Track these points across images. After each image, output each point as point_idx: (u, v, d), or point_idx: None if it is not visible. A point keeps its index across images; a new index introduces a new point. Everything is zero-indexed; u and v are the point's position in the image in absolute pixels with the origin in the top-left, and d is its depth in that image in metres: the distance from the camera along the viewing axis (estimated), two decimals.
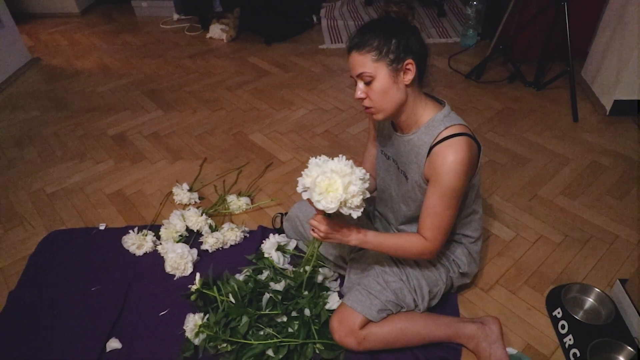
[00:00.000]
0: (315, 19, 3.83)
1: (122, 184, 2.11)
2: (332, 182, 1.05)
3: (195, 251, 1.66)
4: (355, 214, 1.09)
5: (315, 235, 1.20)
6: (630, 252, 1.67)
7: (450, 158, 1.10)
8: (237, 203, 1.90)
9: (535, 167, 2.10)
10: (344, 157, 1.10)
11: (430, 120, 1.17)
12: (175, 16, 4.03)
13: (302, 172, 1.11)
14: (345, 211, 1.08)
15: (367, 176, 1.10)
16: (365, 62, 1.09)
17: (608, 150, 2.18)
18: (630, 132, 2.30)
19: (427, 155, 1.15)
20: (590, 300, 1.48)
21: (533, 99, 2.63)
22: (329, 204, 1.05)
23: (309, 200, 1.10)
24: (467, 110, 2.54)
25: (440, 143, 1.12)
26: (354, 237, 1.20)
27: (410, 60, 1.09)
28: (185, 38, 3.71)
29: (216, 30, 3.61)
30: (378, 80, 1.10)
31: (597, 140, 2.26)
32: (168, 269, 1.63)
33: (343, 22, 3.79)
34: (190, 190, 1.98)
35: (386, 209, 1.45)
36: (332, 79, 2.97)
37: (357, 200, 1.07)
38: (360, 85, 1.13)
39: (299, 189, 1.13)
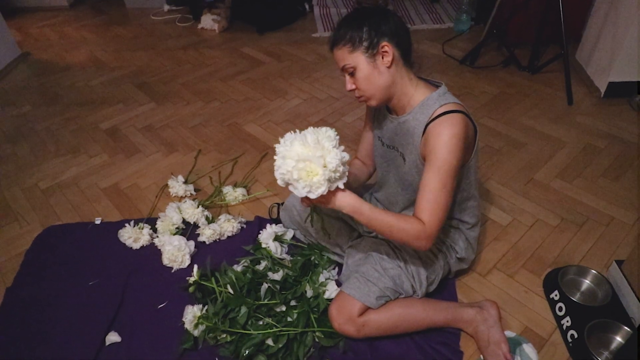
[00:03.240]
0: (307, 7, 3.80)
1: (117, 177, 2.10)
2: (310, 169, 1.02)
3: (192, 243, 1.66)
4: (342, 184, 1.08)
5: (305, 203, 1.18)
6: (626, 233, 1.67)
7: (445, 132, 1.09)
8: (233, 194, 1.90)
9: (531, 151, 2.10)
10: (310, 128, 1.08)
11: (425, 99, 1.17)
12: (166, 7, 3.97)
13: (275, 165, 1.07)
14: (333, 187, 1.06)
15: (335, 134, 1.07)
16: (344, 56, 1.14)
17: (603, 133, 2.18)
18: (625, 114, 2.30)
19: (423, 134, 1.15)
20: (587, 282, 1.49)
21: (528, 83, 2.62)
22: (318, 189, 1.03)
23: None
24: (462, 96, 2.53)
25: (435, 120, 1.12)
26: (347, 202, 1.13)
27: (385, 43, 1.11)
28: (177, 29, 3.66)
29: (208, 21, 3.57)
30: (359, 69, 1.14)
31: (592, 122, 2.26)
32: (165, 261, 1.62)
33: (336, 9, 3.75)
34: (185, 182, 1.97)
35: (385, 195, 1.44)
36: (326, 67, 2.95)
37: (340, 169, 1.05)
38: (347, 77, 1.17)
39: (280, 183, 1.08)
